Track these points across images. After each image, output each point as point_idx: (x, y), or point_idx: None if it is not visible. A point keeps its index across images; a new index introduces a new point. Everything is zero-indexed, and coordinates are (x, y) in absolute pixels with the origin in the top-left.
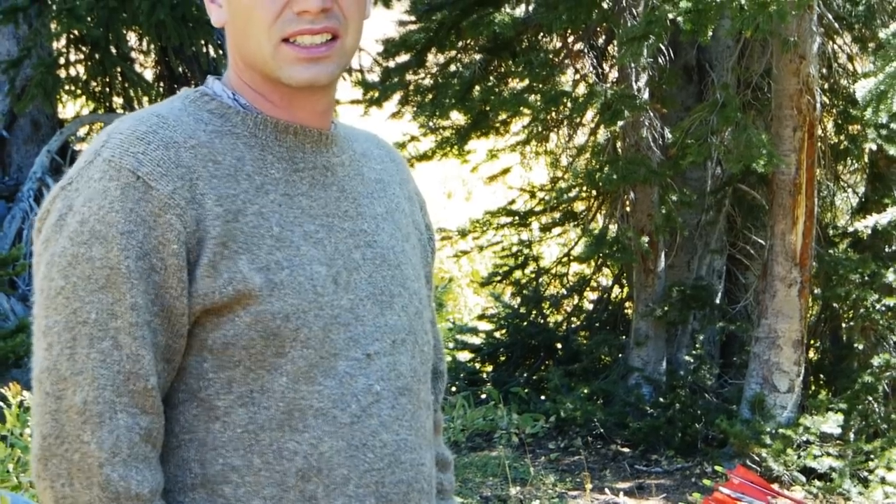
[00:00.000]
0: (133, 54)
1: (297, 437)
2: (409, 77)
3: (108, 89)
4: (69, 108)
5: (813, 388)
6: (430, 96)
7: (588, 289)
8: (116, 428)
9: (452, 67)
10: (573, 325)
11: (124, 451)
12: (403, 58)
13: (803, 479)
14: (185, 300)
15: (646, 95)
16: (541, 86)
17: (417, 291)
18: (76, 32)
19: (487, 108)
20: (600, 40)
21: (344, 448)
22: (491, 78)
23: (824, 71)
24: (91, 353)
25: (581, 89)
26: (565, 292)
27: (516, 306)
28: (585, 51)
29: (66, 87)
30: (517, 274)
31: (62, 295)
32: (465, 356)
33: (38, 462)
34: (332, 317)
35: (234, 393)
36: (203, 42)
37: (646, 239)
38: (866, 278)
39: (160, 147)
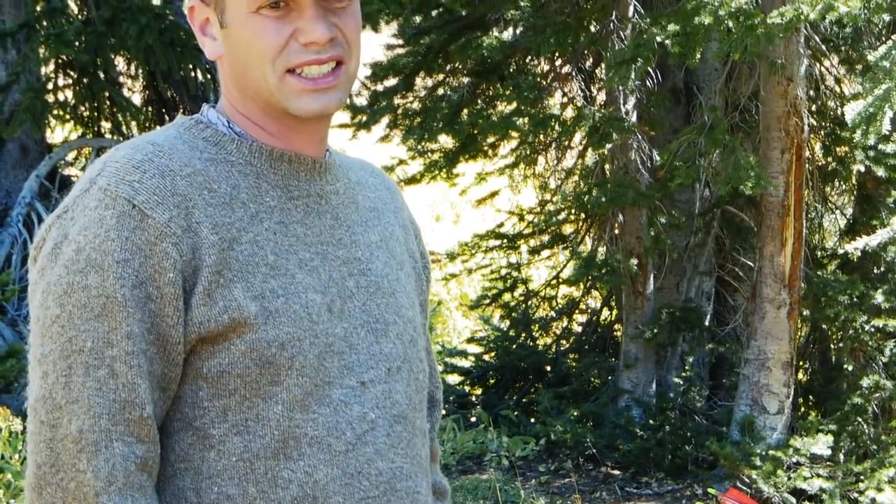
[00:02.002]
0: (121, 79)
1: (292, 466)
2: (398, 101)
3: (96, 114)
4: (58, 132)
5: (802, 409)
6: (419, 120)
7: (577, 311)
8: (112, 457)
9: (441, 91)
10: (562, 348)
11: (120, 479)
12: (392, 81)
13: (794, 500)
14: (181, 329)
15: (634, 118)
16: (529, 109)
17: (412, 319)
18: (65, 57)
19: (476, 132)
20: (588, 63)
21: (339, 476)
22: (479, 101)
23: (812, 93)
24: (87, 382)
25: (569, 112)
26: (554, 315)
27: (505, 329)
28: (573, 74)
29: (55, 112)
30: (506, 297)
31: (58, 323)
32: (454, 379)
33: (33, 491)
34: (327, 345)
35: (230, 421)
36: (191, 66)
37: (635, 261)
38: (855, 300)
39: (156, 176)
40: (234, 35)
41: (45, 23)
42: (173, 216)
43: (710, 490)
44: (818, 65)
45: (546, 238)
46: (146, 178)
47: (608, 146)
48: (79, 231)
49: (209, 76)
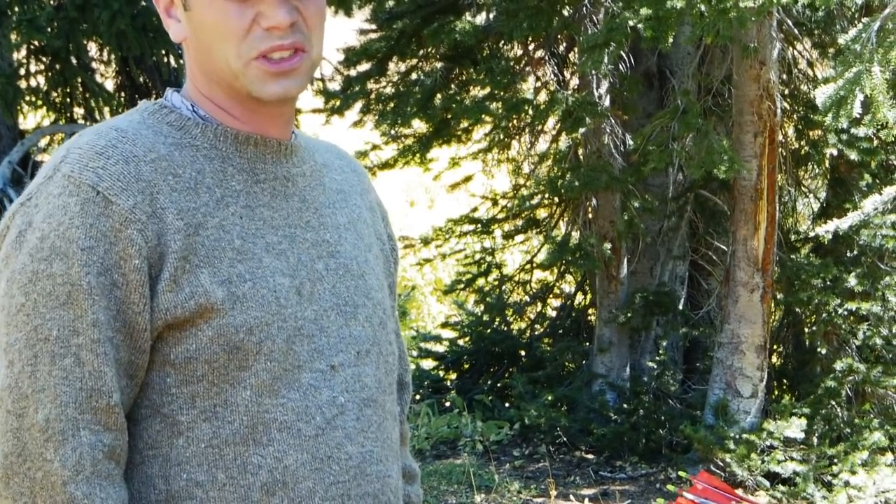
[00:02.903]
0: (94, 65)
1: (262, 451)
2: (371, 86)
3: (69, 100)
4: (30, 119)
5: (776, 392)
6: (392, 105)
7: (551, 296)
8: (80, 445)
9: (414, 76)
10: (537, 332)
11: (88, 468)
12: (365, 66)
13: (767, 483)
14: (147, 315)
15: (607, 102)
16: (502, 93)
17: (381, 302)
18: (36, 43)
19: (449, 116)
20: (561, 48)
21: (309, 461)
22: (452, 86)
23: (784, 77)
24: (53, 371)
25: (542, 97)
26: (528, 299)
27: (480, 314)
28: (546, 58)
29: (27, 98)
30: (480, 281)
31: (23, 312)
32: (428, 364)
33: (0, 481)
34: (296, 328)
35: (198, 408)
36: (164, 52)
37: (608, 245)
38: (828, 283)
39: (120, 161)
40: (198, 18)
41: (16, 8)
42: (138, 202)
43: (681, 473)
44: (791, 48)
45: (520, 223)
46: (110, 164)
47: (581, 130)
48: (43, 219)
49: (182, 61)
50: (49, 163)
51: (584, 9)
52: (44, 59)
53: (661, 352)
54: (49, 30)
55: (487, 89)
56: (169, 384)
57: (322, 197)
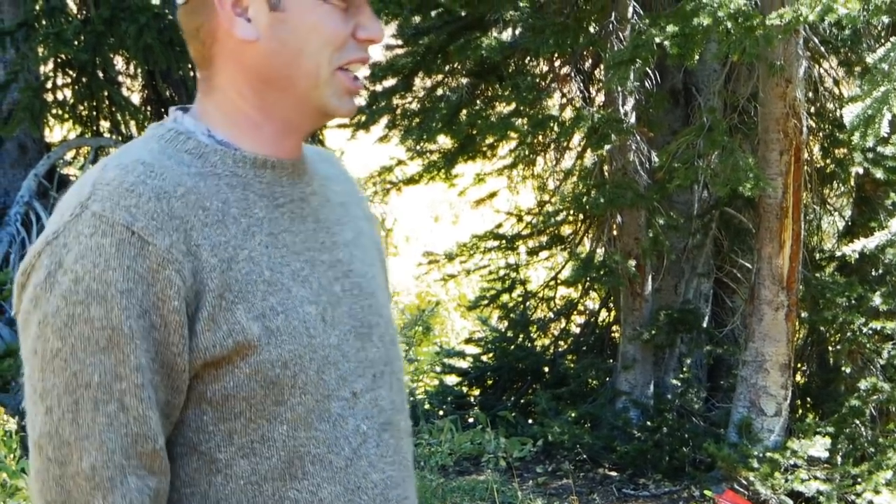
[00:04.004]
0: (120, 78)
1: (298, 486)
2: (397, 101)
3: (95, 113)
4: (56, 131)
5: (800, 411)
6: (418, 120)
7: (575, 312)
8: (129, 492)
9: (439, 91)
10: (560, 349)
11: None
12: (391, 82)
13: (791, 502)
14: (186, 356)
15: (633, 119)
16: (528, 110)
17: (390, 318)
18: (63, 56)
19: (474, 132)
20: (587, 64)
21: (342, 493)
22: (478, 102)
23: (811, 95)
24: (97, 417)
25: (568, 113)
26: (552, 316)
27: (503, 330)
28: (572, 75)
29: (54, 111)
30: (504, 297)
31: (60, 357)
32: (452, 380)
33: None
34: (324, 357)
35: (236, 444)
36: (190, 66)
37: (633, 262)
38: (853, 302)
39: (152, 199)
40: (293, 20)
41: (43, 22)
42: (174, 241)
43: (706, 492)
44: (817, 66)
45: (544, 239)
46: (142, 202)
47: (607, 147)
48: (75, 259)
49: None
50: (71, 199)
51: (611, 25)
52: (70, 72)
53: (685, 369)
54: (76, 43)
55: (513, 105)
56: (206, 422)
57: (331, 214)
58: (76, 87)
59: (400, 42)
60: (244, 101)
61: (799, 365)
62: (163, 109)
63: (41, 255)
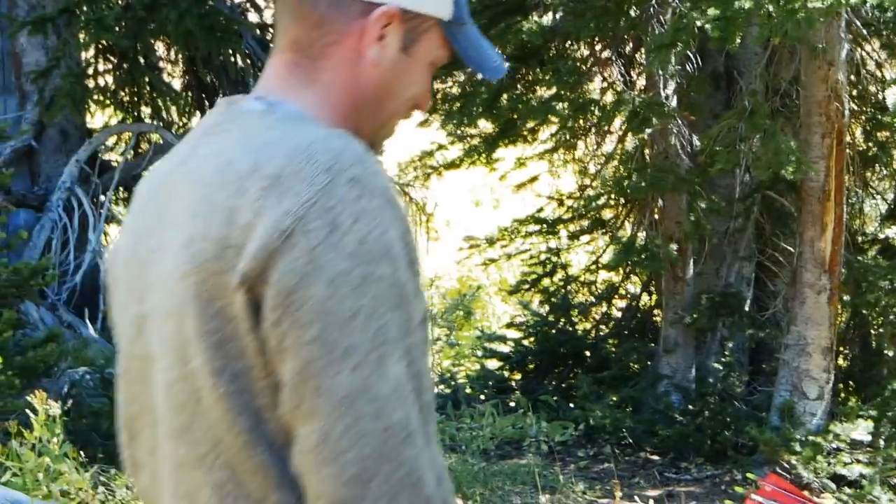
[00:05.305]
0: (161, 64)
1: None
2: (438, 86)
3: (136, 99)
4: (98, 117)
5: (842, 395)
6: (458, 105)
7: (616, 296)
8: (426, 441)
9: (480, 76)
10: (602, 333)
11: (435, 461)
12: None
13: (833, 486)
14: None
15: (674, 103)
16: (569, 94)
17: None
18: (104, 42)
19: (515, 117)
20: (628, 48)
21: None
22: (519, 86)
23: (853, 77)
24: (399, 372)
25: (609, 97)
26: (594, 300)
27: (545, 314)
28: (613, 58)
29: (95, 97)
30: (545, 282)
31: (361, 315)
32: (493, 364)
33: (358, 483)
34: None
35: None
36: (231, 51)
37: (674, 246)
38: (895, 285)
39: (380, 167)
40: (408, 66)
41: (84, 8)
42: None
43: (749, 475)
44: (859, 49)
45: (585, 223)
46: (380, 168)
47: (648, 131)
48: (352, 221)
49: (249, 61)
50: (314, 167)
51: (652, 9)
52: (112, 58)
53: (726, 353)
54: (117, 29)
55: (554, 89)
56: None
57: None
58: (117, 72)
59: None
60: (339, 105)
61: (841, 348)
62: (204, 95)
63: (303, 220)
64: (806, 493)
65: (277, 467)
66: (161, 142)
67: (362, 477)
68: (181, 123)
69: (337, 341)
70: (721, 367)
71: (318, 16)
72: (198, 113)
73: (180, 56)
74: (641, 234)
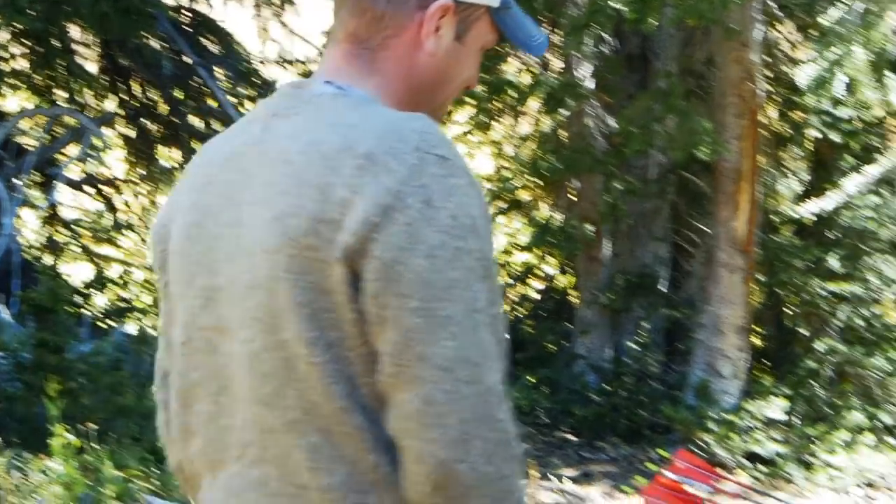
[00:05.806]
0: (75, 47)
1: None
2: None
3: (51, 82)
4: (12, 101)
5: (757, 373)
6: None
7: (533, 277)
8: (508, 403)
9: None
10: (519, 314)
11: (514, 421)
12: None
13: (748, 463)
14: None
15: (590, 84)
16: (485, 75)
17: None
18: (18, 26)
19: None
20: (545, 29)
21: None
22: None
23: (767, 59)
24: (490, 339)
25: (525, 78)
26: (511, 281)
27: None
28: None
29: (9, 81)
30: None
31: (457, 287)
32: None
33: (458, 446)
34: None
35: None
36: (146, 35)
37: (590, 227)
38: (810, 264)
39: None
40: (462, 54)
41: None
42: None
43: (661, 451)
44: (773, 30)
45: (502, 204)
46: (458, 149)
47: (564, 112)
48: (444, 198)
49: (164, 44)
50: (401, 146)
51: None
52: (26, 42)
53: (642, 333)
54: (31, 12)
55: None
56: None
57: None
58: (32, 56)
59: None
60: (398, 91)
61: (756, 327)
62: (119, 78)
63: (400, 196)
64: (718, 469)
65: (371, 431)
66: (78, 125)
67: (463, 438)
68: (96, 106)
69: (436, 311)
70: (637, 347)
71: (378, 12)
72: (111, 95)
73: (95, 39)
74: (558, 216)
